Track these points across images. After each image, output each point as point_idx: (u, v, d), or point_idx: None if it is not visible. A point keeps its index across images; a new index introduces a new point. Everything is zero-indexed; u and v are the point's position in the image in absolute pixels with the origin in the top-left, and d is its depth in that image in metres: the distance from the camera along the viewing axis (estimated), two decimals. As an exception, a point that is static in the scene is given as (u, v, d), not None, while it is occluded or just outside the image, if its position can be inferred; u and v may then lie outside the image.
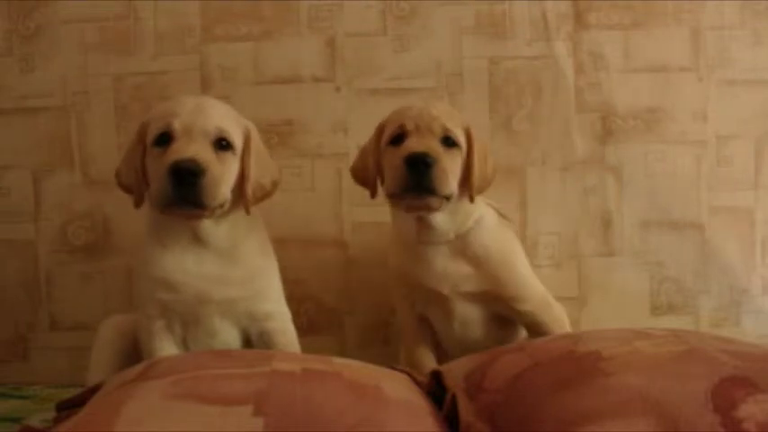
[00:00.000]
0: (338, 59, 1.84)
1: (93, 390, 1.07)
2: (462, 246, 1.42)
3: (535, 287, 1.47)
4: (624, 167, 1.86)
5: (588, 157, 1.86)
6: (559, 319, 1.48)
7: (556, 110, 1.86)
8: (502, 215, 1.52)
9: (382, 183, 1.42)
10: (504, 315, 1.47)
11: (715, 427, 0.79)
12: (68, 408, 1.09)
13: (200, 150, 1.20)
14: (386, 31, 1.84)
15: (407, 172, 1.30)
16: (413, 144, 1.33)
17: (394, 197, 1.36)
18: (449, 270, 1.42)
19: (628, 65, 1.86)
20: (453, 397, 1.01)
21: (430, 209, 1.36)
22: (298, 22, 1.84)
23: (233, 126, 1.28)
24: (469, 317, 1.46)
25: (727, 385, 0.85)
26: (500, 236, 1.47)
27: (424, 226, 1.40)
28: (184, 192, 1.17)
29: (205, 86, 1.82)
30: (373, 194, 1.45)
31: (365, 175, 1.46)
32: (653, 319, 1.85)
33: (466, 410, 0.98)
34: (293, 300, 1.43)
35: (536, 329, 1.45)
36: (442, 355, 1.52)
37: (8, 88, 1.84)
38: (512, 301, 1.44)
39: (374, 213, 1.64)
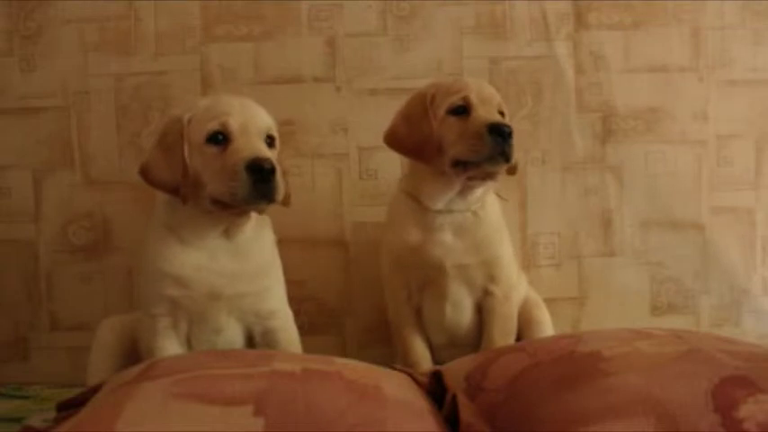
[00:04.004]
0: (338, 59, 1.84)
1: (94, 390, 1.07)
2: (472, 219, 1.47)
3: (510, 275, 1.51)
4: (624, 167, 1.86)
5: (588, 157, 1.86)
6: (510, 317, 1.51)
7: (556, 110, 1.86)
8: (499, 196, 1.57)
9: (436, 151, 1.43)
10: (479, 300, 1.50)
11: (715, 427, 0.79)
12: (69, 408, 1.08)
13: (264, 148, 1.26)
14: (386, 31, 1.84)
15: (491, 141, 1.35)
16: (487, 115, 1.40)
17: (465, 165, 1.40)
18: (456, 241, 1.45)
19: (628, 65, 1.86)
20: (454, 397, 1.01)
21: (495, 177, 1.43)
22: (298, 22, 1.83)
23: (273, 123, 1.35)
24: (461, 300, 1.49)
25: (727, 385, 0.85)
26: (500, 216, 1.54)
27: (461, 196, 1.46)
28: (261, 188, 1.22)
29: (205, 86, 1.81)
30: (429, 162, 1.44)
31: (415, 142, 1.45)
32: (653, 319, 1.86)
33: (466, 410, 0.97)
34: (293, 300, 1.43)
35: (488, 314, 1.49)
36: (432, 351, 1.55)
37: (9, 88, 1.83)
38: (489, 281, 1.48)
39: (374, 213, 1.64)
